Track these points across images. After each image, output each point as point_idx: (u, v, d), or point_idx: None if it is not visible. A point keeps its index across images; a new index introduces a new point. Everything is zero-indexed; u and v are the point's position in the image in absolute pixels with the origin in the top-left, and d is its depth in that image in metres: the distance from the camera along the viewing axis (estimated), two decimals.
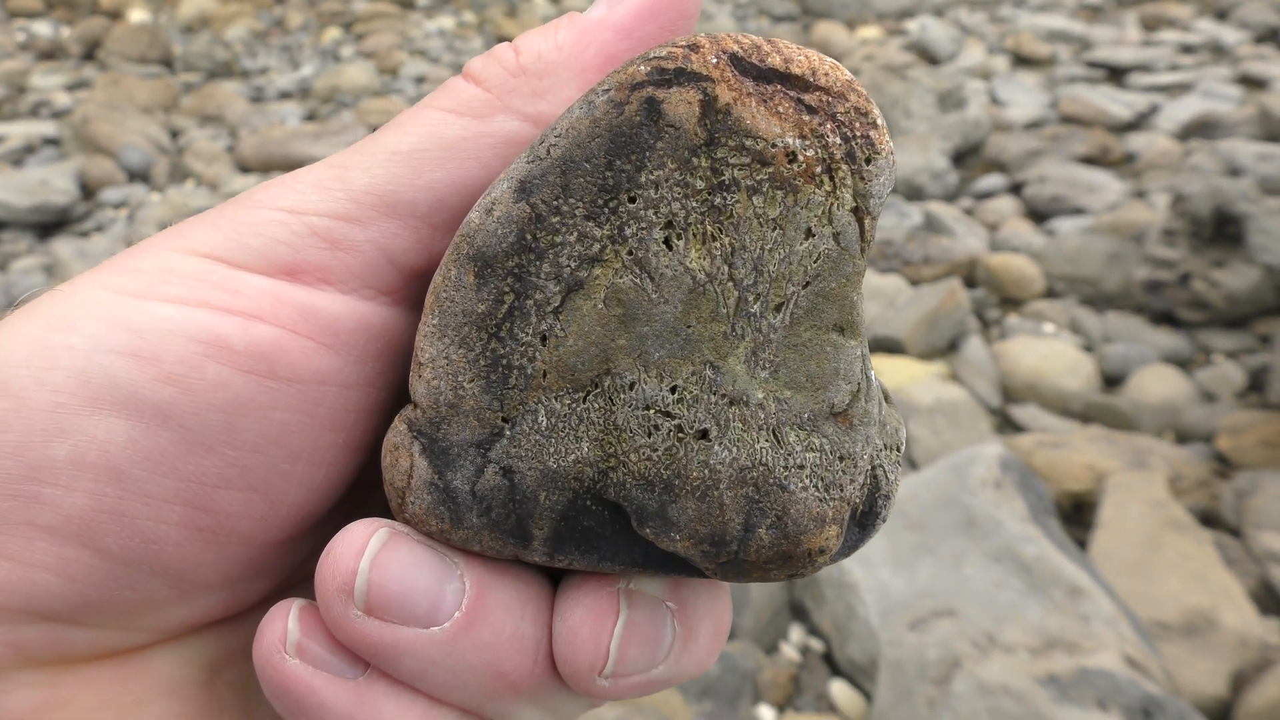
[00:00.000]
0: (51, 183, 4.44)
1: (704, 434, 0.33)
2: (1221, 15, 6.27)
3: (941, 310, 2.93)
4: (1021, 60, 5.79)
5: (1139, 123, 4.70)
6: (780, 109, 0.32)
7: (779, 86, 0.32)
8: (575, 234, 0.32)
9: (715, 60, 0.31)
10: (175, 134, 5.49)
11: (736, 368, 0.33)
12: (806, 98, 0.32)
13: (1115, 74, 5.43)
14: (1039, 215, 3.83)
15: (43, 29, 8.42)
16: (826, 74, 0.32)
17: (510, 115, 0.34)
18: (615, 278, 0.32)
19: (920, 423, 2.50)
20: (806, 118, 0.32)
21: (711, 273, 0.32)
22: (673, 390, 0.33)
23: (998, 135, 4.50)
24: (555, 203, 0.32)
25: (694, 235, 0.32)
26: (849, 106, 0.32)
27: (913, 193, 3.99)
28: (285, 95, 6.48)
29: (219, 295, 0.32)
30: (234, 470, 0.33)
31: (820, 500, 0.33)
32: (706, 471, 0.33)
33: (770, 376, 0.33)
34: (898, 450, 0.37)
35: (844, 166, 0.32)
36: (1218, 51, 5.68)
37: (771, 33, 6.22)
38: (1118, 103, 4.80)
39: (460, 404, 0.33)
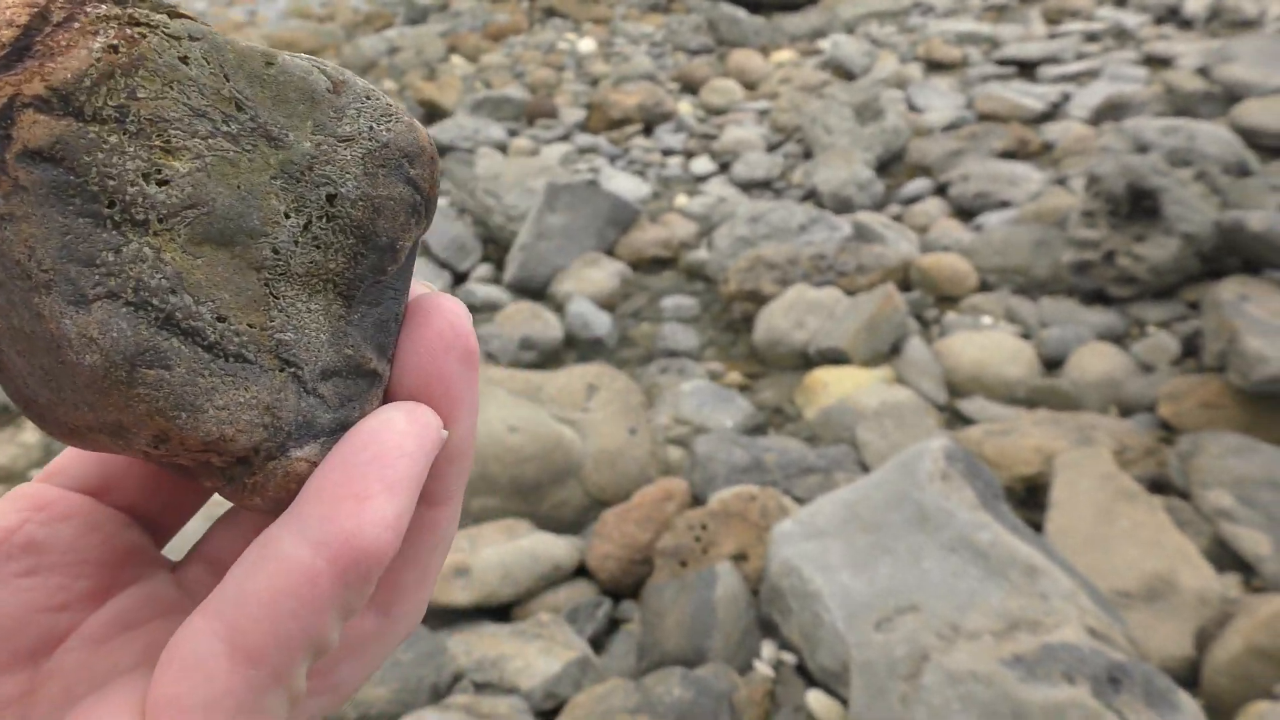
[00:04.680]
0: None
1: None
2: (1121, 1, 6.45)
3: (880, 316, 2.97)
4: (934, 65, 5.92)
5: (1053, 113, 4.81)
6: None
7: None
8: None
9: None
10: None
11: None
12: None
13: (1025, 69, 5.56)
14: (966, 213, 3.90)
15: None
16: None
17: None
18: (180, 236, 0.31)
19: (869, 427, 2.53)
20: None
21: (196, 150, 0.31)
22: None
23: (918, 140, 4.58)
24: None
25: (159, 154, 0.30)
26: None
27: (841, 205, 4.05)
28: None
29: None
30: None
31: None
32: None
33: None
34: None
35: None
36: (1121, 36, 5.84)
37: (688, 66, 6.31)
38: (1030, 96, 4.92)
39: None
